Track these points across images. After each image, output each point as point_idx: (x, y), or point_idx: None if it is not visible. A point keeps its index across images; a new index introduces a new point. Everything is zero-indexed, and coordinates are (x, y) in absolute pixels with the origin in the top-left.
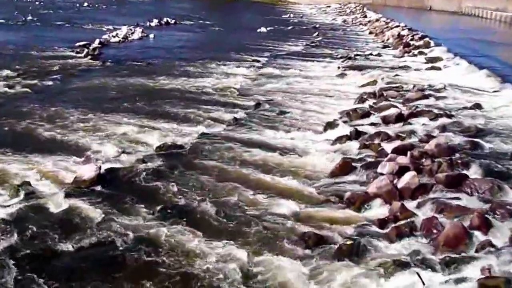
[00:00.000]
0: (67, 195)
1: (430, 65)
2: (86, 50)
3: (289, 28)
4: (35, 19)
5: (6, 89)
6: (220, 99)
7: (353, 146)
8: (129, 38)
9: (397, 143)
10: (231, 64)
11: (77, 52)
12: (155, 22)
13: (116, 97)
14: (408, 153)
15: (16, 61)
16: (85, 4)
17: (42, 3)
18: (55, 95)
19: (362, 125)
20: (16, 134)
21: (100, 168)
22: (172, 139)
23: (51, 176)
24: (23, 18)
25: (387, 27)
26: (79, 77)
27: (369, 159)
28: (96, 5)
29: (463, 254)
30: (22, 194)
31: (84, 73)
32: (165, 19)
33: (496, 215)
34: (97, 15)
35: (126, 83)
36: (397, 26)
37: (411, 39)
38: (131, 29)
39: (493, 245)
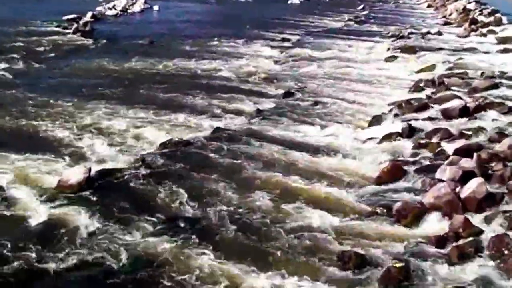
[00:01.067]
0: (50, 203)
1: (502, 46)
2: (75, 25)
3: None
4: None
5: None
6: (240, 86)
7: (405, 146)
8: (129, 11)
9: (461, 142)
10: (255, 43)
11: (65, 28)
12: None
13: (112, 83)
14: (474, 155)
15: None
16: None
17: None
18: (38, 80)
19: (417, 119)
20: None
21: (90, 170)
22: (179, 135)
23: (31, 179)
24: None
25: None
26: (67, 58)
27: (425, 162)
28: None
29: None
30: None
31: (73, 54)
32: None
33: None
34: None
35: (124, 67)
36: None
37: (479, 15)
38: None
39: None
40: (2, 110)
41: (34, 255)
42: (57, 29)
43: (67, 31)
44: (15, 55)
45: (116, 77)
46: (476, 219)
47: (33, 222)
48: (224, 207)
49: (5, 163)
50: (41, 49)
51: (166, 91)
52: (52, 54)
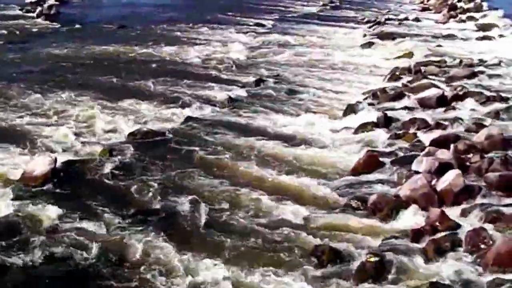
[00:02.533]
0: (13, 196)
1: (481, 34)
2: (39, 8)
3: None
4: None
5: None
6: (211, 73)
7: (381, 136)
8: None
9: (438, 133)
10: (227, 28)
11: (28, 11)
12: None
13: (78, 70)
14: (451, 146)
15: None
16: None
17: None
18: (2, 66)
19: (394, 109)
20: None
21: (55, 160)
22: (149, 125)
23: None
24: None
25: None
26: (30, 43)
27: (401, 153)
28: None
29: None
30: None
31: (36, 39)
32: None
33: None
34: None
35: (91, 52)
36: None
37: (459, 1)
38: None
39: None
40: None
41: None
42: (19, 12)
43: (30, 14)
44: None
45: (82, 64)
46: (453, 213)
47: None
48: (194, 199)
49: None
50: (3, 33)
51: (135, 78)
52: (13, 39)
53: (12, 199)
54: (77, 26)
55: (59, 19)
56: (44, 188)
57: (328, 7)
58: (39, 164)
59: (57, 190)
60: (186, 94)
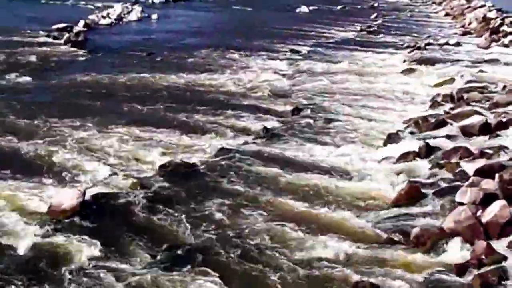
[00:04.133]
0: (40, 230)
1: None
2: (66, 35)
3: (339, 7)
4: None
5: None
6: (245, 102)
7: (422, 166)
8: (124, 20)
9: (482, 162)
10: (261, 55)
11: (55, 38)
12: None
13: (107, 99)
14: (496, 175)
15: None
16: None
17: None
18: (24, 96)
19: (435, 137)
20: None
21: (84, 193)
22: (181, 156)
23: (19, 205)
24: None
25: (468, 7)
26: (57, 71)
27: (444, 184)
28: None
29: None
30: None
31: (63, 66)
32: None
33: None
34: None
35: (119, 80)
36: (482, 6)
37: (501, 24)
38: (127, 7)
39: None
40: None
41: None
42: (46, 39)
43: (58, 41)
44: (2, 70)
45: (111, 92)
46: (500, 245)
47: (21, 251)
48: (228, 234)
49: None
50: (28, 61)
51: (166, 108)
52: (40, 67)
53: (39, 233)
54: (105, 53)
55: (86, 46)
56: (72, 222)
57: (365, 32)
58: (67, 197)
59: (86, 224)
60: (219, 124)
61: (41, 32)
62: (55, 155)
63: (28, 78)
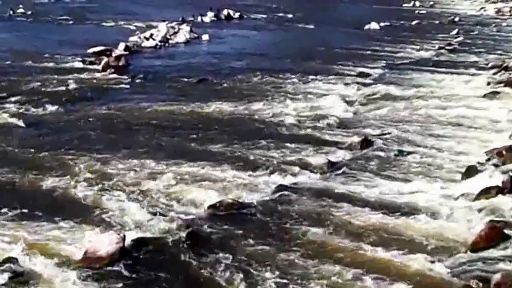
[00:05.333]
0: (74, 280)
1: None
2: (105, 59)
3: (414, 23)
4: (28, 12)
5: None
6: (307, 133)
7: (506, 203)
8: (171, 41)
9: None
10: (325, 79)
11: (91, 63)
12: (210, 16)
13: (149, 131)
14: None
15: (1, 77)
16: None
17: None
18: (58, 129)
19: None
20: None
21: (124, 238)
22: (233, 195)
23: (50, 251)
24: (10, 11)
25: None
26: (93, 101)
27: None
28: None
29: None
30: (5, 277)
31: (101, 95)
32: (225, 12)
33: None
34: (122, 5)
35: (164, 111)
36: None
37: None
38: (173, 27)
39: None
40: (11, 165)
41: None
42: (81, 64)
43: (95, 67)
44: (28, 98)
45: (156, 123)
46: None
47: None
48: (286, 283)
49: (18, 230)
50: (62, 89)
51: (217, 140)
52: (74, 96)
53: (72, 283)
54: (149, 79)
55: (128, 72)
56: (111, 271)
57: (444, 51)
58: (105, 243)
59: (126, 274)
60: (277, 158)
61: (75, 57)
62: (89, 195)
63: (59, 109)
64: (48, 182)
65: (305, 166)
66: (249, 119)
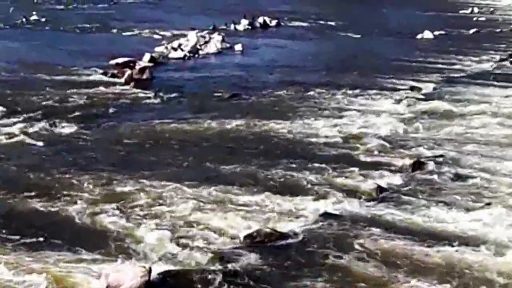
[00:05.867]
0: None
1: None
2: (128, 72)
3: (472, 31)
4: (44, 19)
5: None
6: (352, 154)
7: None
8: (201, 52)
9: None
10: (372, 95)
11: (113, 76)
12: (244, 23)
13: (177, 152)
14: None
15: (14, 91)
16: None
17: None
18: (75, 148)
19: None
20: (13, 214)
21: (149, 271)
22: (272, 223)
23: (70, 284)
24: (22, 18)
25: None
26: (115, 118)
27: None
28: None
29: None
30: None
31: (123, 112)
32: (260, 19)
33: None
34: (147, 12)
35: (193, 129)
36: None
37: None
38: (203, 37)
39: None
40: (23, 188)
41: None
42: (102, 77)
43: (117, 80)
44: (43, 114)
45: (183, 144)
46: None
47: None
48: None
49: (36, 261)
50: (80, 104)
51: (251, 162)
52: (93, 113)
53: None
54: (177, 94)
55: (153, 86)
56: None
57: (507, 63)
58: (128, 275)
59: None
60: (320, 182)
61: (95, 69)
62: (110, 222)
63: (77, 126)
64: (65, 207)
65: (351, 191)
66: (287, 138)
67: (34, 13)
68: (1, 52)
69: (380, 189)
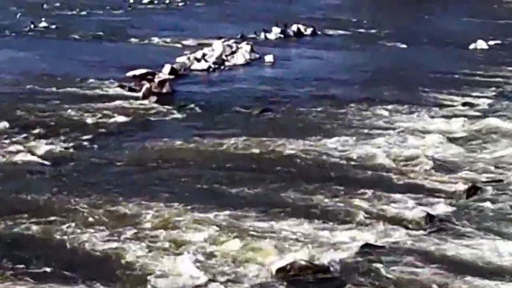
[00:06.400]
0: None
1: None
2: (146, 85)
3: None
4: (54, 26)
5: (2, 157)
6: (399, 178)
7: None
8: (227, 63)
9: None
10: (420, 111)
11: (130, 89)
12: (275, 32)
13: (200, 174)
14: None
15: (19, 104)
16: (146, 0)
17: None
18: (87, 169)
19: None
20: (17, 246)
21: None
22: (308, 255)
23: None
24: (30, 24)
25: None
26: (132, 136)
27: None
28: (167, 1)
29: None
30: None
31: (140, 129)
32: (294, 27)
33: None
34: (168, 19)
35: (218, 149)
36: None
37: None
38: (230, 46)
39: None
40: (31, 212)
41: None
42: (118, 90)
43: (134, 94)
44: (53, 131)
45: (207, 165)
46: None
47: None
48: None
49: None
50: (94, 121)
51: (282, 186)
52: (109, 129)
53: None
54: (200, 109)
55: (174, 100)
56: None
57: None
58: None
59: None
60: (361, 209)
61: (111, 82)
62: (126, 250)
63: (89, 145)
64: (75, 235)
65: (397, 220)
66: (324, 159)
67: (43, 19)
68: (6, 62)
69: (429, 217)
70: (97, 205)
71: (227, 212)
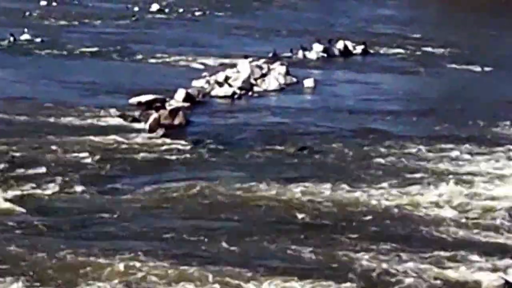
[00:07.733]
0: None
1: None
2: (154, 115)
3: None
4: (37, 39)
5: None
6: (470, 235)
7: None
8: (256, 88)
9: None
10: (497, 151)
11: (134, 120)
12: (317, 49)
13: (220, 228)
14: None
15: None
16: (155, 8)
17: (60, 4)
18: (83, 219)
19: None
20: None
21: None
22: None
23: None
24: (10, 37)
25: None
26: (135, 178)
27: None
28: (180, 10)
29: None
30: None
31: (146, 171)
32: (340, 44)
33: None
34: (182, 32)
35: (243, 196)
36: None
37: None
38: (260, 67)
39: None
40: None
41: None
42: (119, 121)
43: (138, 125)
44: (43, 172)
45: (231, 216)
46: None
47: None
48: None
49: None
50: (87, 160)
51: (320, 245)
52: (108, 170)
53: None
54: (221, 146)
55: (188, 135)
56: None
57: None
58: None
59: None
60: (423, 273)
61: (111, 110)
62: None
63: (85, 189)
64: None
65: (469, 287)
66: (376, 211)
67: (25, 30)
68: None
69: (508, 285)
70: (93, 264)
71: (261, 270)
